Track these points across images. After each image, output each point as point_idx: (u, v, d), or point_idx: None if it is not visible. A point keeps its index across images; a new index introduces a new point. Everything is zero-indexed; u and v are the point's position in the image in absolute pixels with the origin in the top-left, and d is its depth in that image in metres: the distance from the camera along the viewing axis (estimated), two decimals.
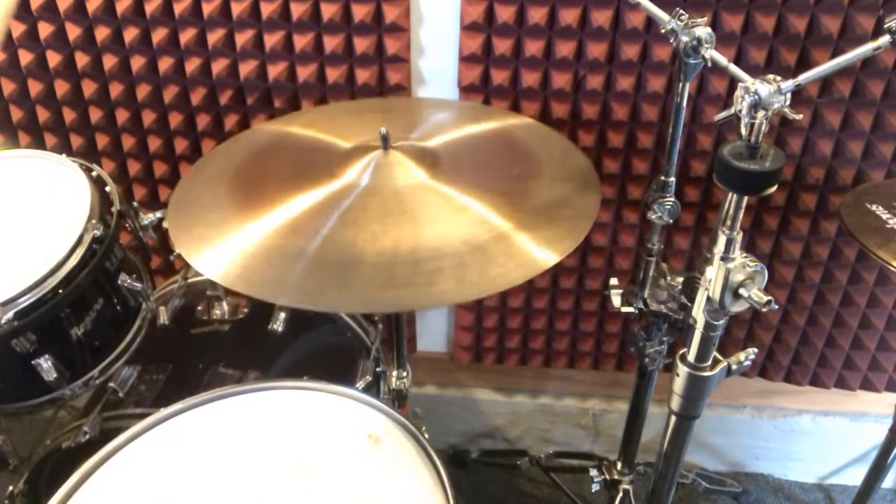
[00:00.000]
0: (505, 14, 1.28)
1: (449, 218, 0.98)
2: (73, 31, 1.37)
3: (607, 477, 1.58)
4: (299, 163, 1.12)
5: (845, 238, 1.45)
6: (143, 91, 1.44)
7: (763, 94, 0.69)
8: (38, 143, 1.53)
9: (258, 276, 0.91)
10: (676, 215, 1.15)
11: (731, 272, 0.76)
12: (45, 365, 1.01)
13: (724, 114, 0.78)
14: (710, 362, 0.86)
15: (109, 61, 1.41)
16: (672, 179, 1.12)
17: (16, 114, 1.50)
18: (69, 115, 1.49)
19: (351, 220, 0.97)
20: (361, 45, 1.34)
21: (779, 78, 0.70)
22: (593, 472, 1.59)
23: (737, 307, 0.78)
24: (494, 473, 1.88)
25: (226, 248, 0.96)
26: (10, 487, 1.11)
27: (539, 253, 0.93)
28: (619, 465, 1.57)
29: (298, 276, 0.91)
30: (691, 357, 0.86)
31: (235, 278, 0.91)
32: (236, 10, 1.32)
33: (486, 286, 0.88)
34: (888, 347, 1.59)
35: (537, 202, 1.02)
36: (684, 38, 0.92)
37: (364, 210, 0.99)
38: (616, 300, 1.27)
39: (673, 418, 0.94)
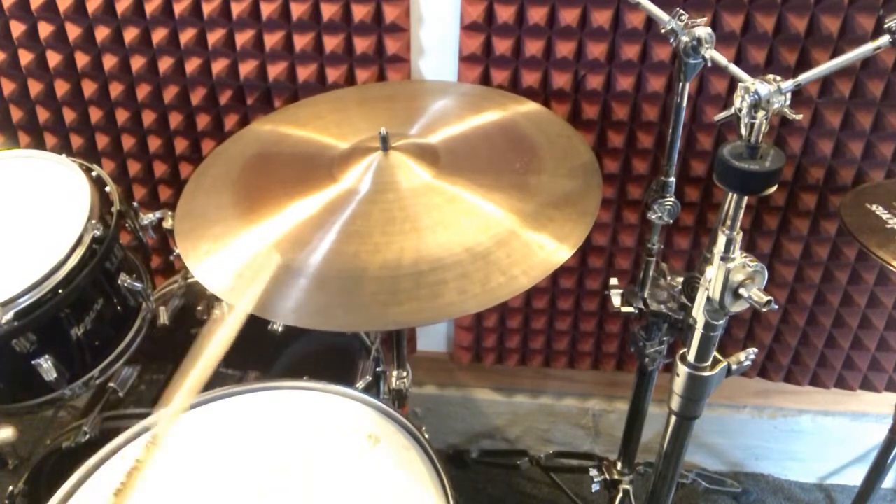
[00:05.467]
0: (505, 14, 1.28)
1: (452, 221, 0.97)
2: (73, 31, 1.37)
3: (607, 477, 1.58)
4: (299, 166, 1.11)
5: (845, 238, 1.45)
6: (143, 91, 1.44)
7: (763, 94, 0.69)
8: (38, 143, 1.53)
9: (265, 295, 0.91)
10: (676, 215, 1.15)
11: (731, 272, 0.76)
12: (45, 365, 1.01)
13: (724, 114, 0.78)
14: (710, 362, 0.86)
15: (109, 61, 1.41)
16: (672, 179, 1.12)
17: (16, 114, 1.50)
18: (69, 115, 1.49)
19: (353, 230, 0.96)
20: (361, 45, 1.34)
21: (779, 78, 0.70)
22: (593, 472, 1.59)
23: (737, 307, 0.78)
24: (494, 473, 1.88)
25: (231, 263, 0.95)
26: (10, 487, 1.11)
27: (542, 255, 0.93)
28: (619, 465, 1.57)
29: (303, 294, 0.90)
30: (691, 357, 0.86)
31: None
32: (236, 10, 1.32)
33: (488, 298, 0.87)
34: (888, 347, 1.59)
35: (540, 199, 1.01)
36: (684, 38, 0.92)
37: (366, 219, 0.98)
38: (616, 300, 1.27)
39: (673, 418, 0.94)
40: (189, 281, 1.37)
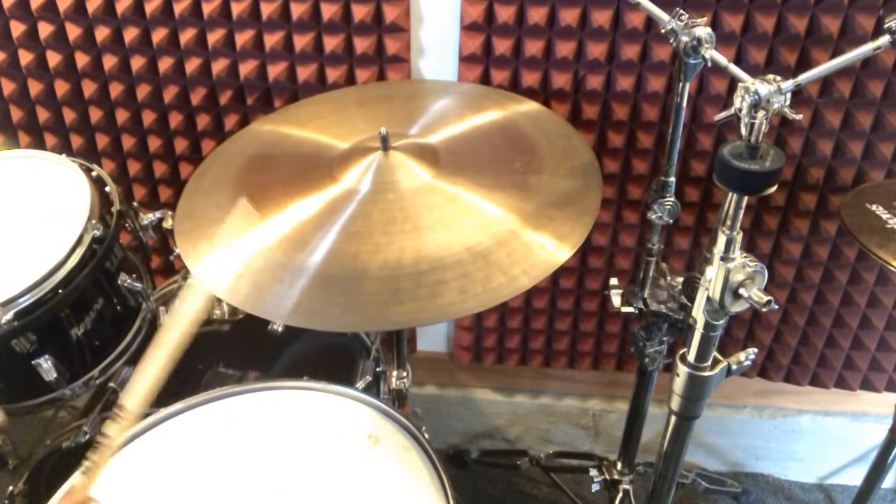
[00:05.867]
0: (505, 14, 1.28)
1: (452, 221, 0.97)
2: (73, 31, 1.37)
3: (607, 477, 1.58)
4: (300, 166, 1.11)
5: (845, 238, 1.45)
6: (143, 91, 1.44)
7: (763, 94, 0.69)
8: (38, 143, 1.53)
9: (265, 295, 0.91)
10: (676, 215, 1.15)
11: (731, 272, 0.76)
12: (45, 365, 1.01)
13: (724, 114, 0.78)
14: (710, 362, 0.86)
15: (109, 61, 1.41)
16: (672, 179, 1.12)
17: (16, 114, 1.50)
18: (69, 115, 1.49)
19: (353, 230, 0.96)
20: (361, 45, 1.34)
21: (779, 78, 0.70)
22: (593, 472, 1.59)
23: (737, 307, 0.78)
24: (494, 473, 1.88)
25: (232, 264, 0.95)
26: (10, 487, 1.11)
27: (543, 254, 0.92)
28: (619, 465, 1.57)
29: (303, 294, 0.90)
30: (691, 357, 0.86)
31: (244, 298, 0.91)
32: (236, 10, 1.32)
33: (488, 297, 0.87)
34: (888, 347, 1.59)
35: (540, 199, 1.01)
36: (684, 38, 0.92)
37: (366, 219, 0.98)
38: (616, 300, 1.27)
39: (673, 418, 0.94)
40: (189, 281, 1.37)
